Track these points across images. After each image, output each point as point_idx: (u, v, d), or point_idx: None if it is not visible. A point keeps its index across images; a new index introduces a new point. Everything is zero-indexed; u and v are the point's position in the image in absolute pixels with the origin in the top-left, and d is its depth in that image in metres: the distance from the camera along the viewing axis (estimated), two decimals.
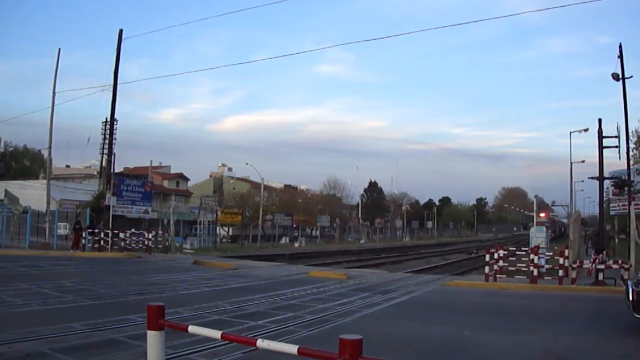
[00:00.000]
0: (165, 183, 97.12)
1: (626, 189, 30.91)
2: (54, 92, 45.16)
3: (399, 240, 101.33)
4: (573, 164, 56.68)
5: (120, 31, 41.66)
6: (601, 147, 29.38)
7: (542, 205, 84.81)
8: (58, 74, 45.82)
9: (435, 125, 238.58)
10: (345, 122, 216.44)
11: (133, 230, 39.82)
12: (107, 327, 11.85)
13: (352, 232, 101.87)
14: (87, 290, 18.23)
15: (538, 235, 34.87)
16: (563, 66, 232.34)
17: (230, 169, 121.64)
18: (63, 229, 44.09)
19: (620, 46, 30.75)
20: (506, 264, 25.69)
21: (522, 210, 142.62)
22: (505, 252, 26.36)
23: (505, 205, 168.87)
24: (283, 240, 76.32)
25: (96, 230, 38.18)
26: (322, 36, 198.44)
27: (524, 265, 25.28)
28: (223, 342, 8.61)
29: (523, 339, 12.65)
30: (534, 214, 48.02)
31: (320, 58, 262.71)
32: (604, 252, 26.00)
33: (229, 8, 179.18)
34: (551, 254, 27.61)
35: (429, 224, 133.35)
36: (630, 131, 33.10)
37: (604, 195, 33.29)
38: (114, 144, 42.42)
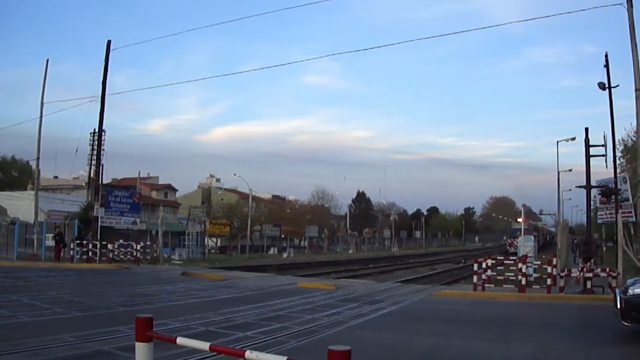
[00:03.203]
0: (154, 194, 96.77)
1: (613, 197, 31.00)
2: (42, 103, 45.19)
3: (387, 250, 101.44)
4: (560, 173, 56.81)
5: (109, 42, 41.70)
6: (588, 156, 29.54)
7: (530, 214, 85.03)
8: (46, 84, 45.83)
9: (422, 136, 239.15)
10: (333, 132, 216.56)
11: (121, 241, 39.67)
12: (96, 339, 11.82)
13: (341, 243, 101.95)
14: (76, 301, 18.17)
15: (526, 244, 34.97)
16: (549, 76, 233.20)
17: (218, 180, 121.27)
18: (51, 240, 43.95)
19: (606, 56, 30.94)
20: (494, 273, 25.74)
21: (510, 220, 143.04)
22: (494, 262, 26.42)
23: (493, 215, 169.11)
24: (271, 251, 76.30)
25: (84, 242, 37.99)
26: (308, 47, 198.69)
27: (512, 274, 25.31)
28: (211, 354, 8.61)
29: (511, 348, 12.68)
30: (522, 223, 48.06)
31: (307, 68, 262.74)
32: (592, 260, 26.11)
33: (216, 19, 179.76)
34: (539, 262, 27.70)
35: (417, 234, 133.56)
36: (616, 140, 33.31)
37: (592, 203, 33.44)
38: (102, 155, 42.38)
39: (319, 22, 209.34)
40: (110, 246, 37.78)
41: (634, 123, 29.63)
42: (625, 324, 13.24)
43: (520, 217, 61.22)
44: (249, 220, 72.69)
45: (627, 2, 26.45)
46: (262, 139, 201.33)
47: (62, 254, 37.69)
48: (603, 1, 27.92)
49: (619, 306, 13.48)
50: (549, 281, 23.97)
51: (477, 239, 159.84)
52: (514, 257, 27.87)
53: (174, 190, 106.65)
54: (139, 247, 39.10)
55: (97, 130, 42.82)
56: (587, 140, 29.85)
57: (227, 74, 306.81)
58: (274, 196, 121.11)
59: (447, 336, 13.98)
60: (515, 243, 68.05)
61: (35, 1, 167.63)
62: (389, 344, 12.91)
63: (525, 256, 26.64)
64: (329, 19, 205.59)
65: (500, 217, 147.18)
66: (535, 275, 25.78)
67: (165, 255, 46.30)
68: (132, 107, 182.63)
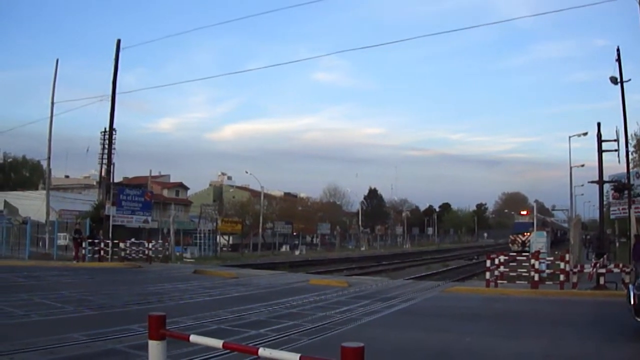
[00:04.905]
0: (165, 192, 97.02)
1: (626, 192, 30.88)
2: (52, 103, 45.36)
3: (399, 247, 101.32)
4: (572, 168, 56.61)
5: (118, 41, 41.71)
6: (600, 151, 29.39)
7: (543, 210, 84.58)
8: (56, 84, 45.97)
9: (433, 132, 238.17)
10: (343, 129, 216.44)
11: (133, 240, 39.75)
12: (108, 337, 11.84)
13: (353, 240, 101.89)
14: (88, 300, 18.22)
15: (539, 240, 34.84)
16: (560, 70, 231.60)
17: (229, 178, 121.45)
18: (63, 239, 44.00)
19: (618, 50, 30.78)
20: (507, 270, 25.63)
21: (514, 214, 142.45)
22: (506, 258, 26.32)
23: (506, 211, 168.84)
24: (283, 249, 76.37)
25: (96, 241, 38.04)
26: (317, 44, 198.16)
27: (525, 270, 25.21)
28: (224, 351, 8.60)
29: (524, 344, 12.63)
30: (534, 219, 47.91)
31: (316, 66, 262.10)
32: (605, 256, 26.00)
33: (224, 17, 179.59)
34: (552, 258, 27.60)
35: (430, 231, 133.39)
36: (629, 134, 33.10)
37: (604, 199, 33.27)
38: (113, 153, 42.42)
39: (327, 19, 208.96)
40: (122, 245, 37.84)
41: None
42: (639, 319, 13.16)
43: (528, 211, 60.67)
44: (261, 218, 72.85)
45: None
46: (272, 136, 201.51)
47: (80, 253, 37.32)
48: None
49: (632, 302, 13.39)
50: (561, 277, 23.88)
51: (485, 235, 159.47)
52: (526, 254, 27.77)
53: (186, 188, 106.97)
54: (150, 246, 39.14)
55: (107, 129, 42.89)
56: (599, 135, 29.70)
57: (236, 72, 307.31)
58: (285, 194, 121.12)
59: (460, 333, 13.95)
60: (519, 239, 67.13)
61: (42, 1, 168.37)
62: (401, 341, 12.89)
63: (538, 252, 26.54)
64: (336, 16, 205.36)
65: (513, 213, 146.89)
66: (548, 271, 25.70)
67: (177, 254, 46.34)
68: (141, 105, 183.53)
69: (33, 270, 29.87)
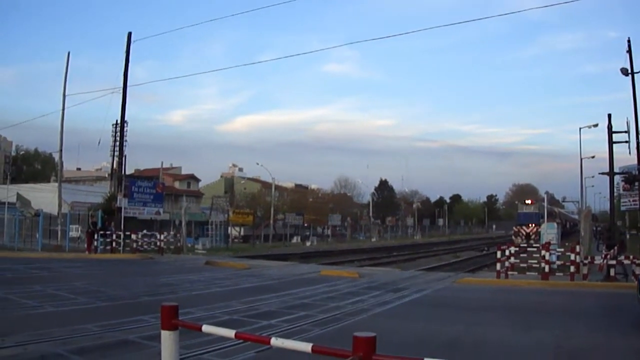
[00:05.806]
0: (177, 184, 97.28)
1: (637, 184, 30.81)
2: (64, 96, 45.35)
3: (410, 238, 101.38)
4: (583, 160, 56.27)
5: (129, 34, 41.76)
6: (611, 143, 29.36)
7: (553, 202, 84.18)
8: (68, 77, 46.04)
9: (444, 123, 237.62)
10: (354, 120, 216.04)
11: (145, 231, 39.83)
12: (121, 328, 11.92)
13: (364, 231, 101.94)
14: (100, 291, 18.32)
15: (549, 232, 34.80)
16: (570, 62, 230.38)
17: (241, 169, 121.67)
18: (75, 231, 44.24)
19: (629, 41, 30.70)
20: (517, 261, 25.63)
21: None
22: (517, 249, 26.32)
23: (516, 202, 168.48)
24: (294, 240, 76.53)
25: (108, 232, 38.18)
26: (328, 35, 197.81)
27: (536, 261, 25.19)
28: (236, 342, 8.69)
29: (535, 335, 12.64)
30: (545, 210, 47.74)
31: (328, 57, 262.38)
32: (615, 247, 25.98)
33: (235, 9, 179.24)
34: (562, 250, 27.58)
35: (440, 222, 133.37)
36: None
37: (615, 190, 33.20)
38: (125, 146, 42.55)
39: (338, 10, 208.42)
40: (134, 236, 37.93)
41: None
42: None
43: (532, 200, 60.01)
44: (272, 209, 72.96)
45: None
46: (283, 128, 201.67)
47: (92, 245, 37.36)
48: None
49: None
50: (572, 269, 23.86)
51: (494, 227, 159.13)
52: (537, 245, 27.72)
53: (197, 180, 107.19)
54: (162, 237, 39.27)
55: (119, 121, 43.02)
56: (609, 126, 29.68)
57: (247, 63, 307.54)
58: (296, 185, 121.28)
59: (470, 324, 13.98)
60: (523, 231, 65.94)
61: None
62: (412, 332, 12.92)
63: (549, 243, 26.51)
64: (347, 7, 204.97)
65: (518, 203, 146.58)
66: (558, 262, 25.67)
67: (189, 245, 46.52)
68: (152, 98, 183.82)
69: (46, 262, 30.02)
